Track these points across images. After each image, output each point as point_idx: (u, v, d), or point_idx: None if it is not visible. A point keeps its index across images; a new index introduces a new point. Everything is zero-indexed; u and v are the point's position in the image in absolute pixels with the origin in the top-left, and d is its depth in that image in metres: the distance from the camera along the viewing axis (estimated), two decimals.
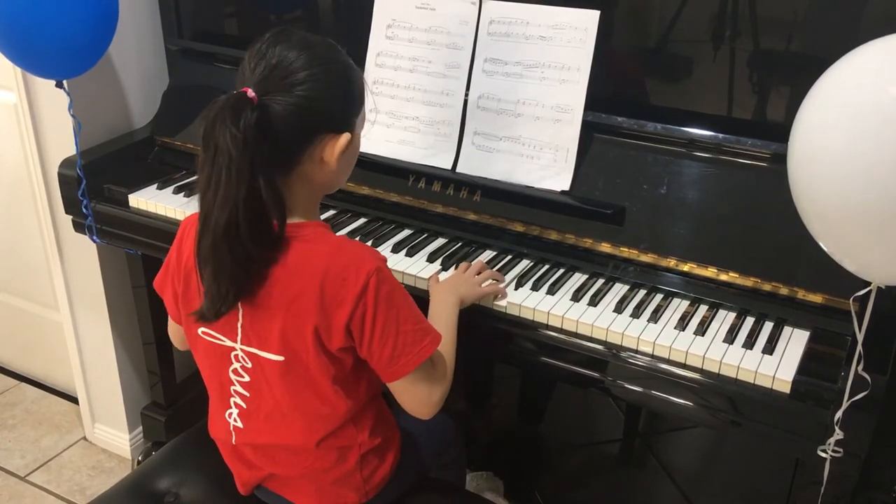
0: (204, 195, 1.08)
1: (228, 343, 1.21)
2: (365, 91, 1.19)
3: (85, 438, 2.34)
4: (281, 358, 1.17)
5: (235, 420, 1.27)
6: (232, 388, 1.25)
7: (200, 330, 1.23)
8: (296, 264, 1.14)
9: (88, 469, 2.23)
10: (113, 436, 2.28)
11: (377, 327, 1.14)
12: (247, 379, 1.22)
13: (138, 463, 2.22)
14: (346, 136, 1.14)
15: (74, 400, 2.40)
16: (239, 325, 1.18)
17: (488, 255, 1.54)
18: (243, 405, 1.25)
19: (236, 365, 1.22)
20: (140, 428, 2.25)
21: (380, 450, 1.30)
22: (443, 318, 1.31)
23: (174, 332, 1.37)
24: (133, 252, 1.91)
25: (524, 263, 1.52)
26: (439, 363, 1.23)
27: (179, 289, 1.23)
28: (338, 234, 1.61)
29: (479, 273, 1.43)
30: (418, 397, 1.21)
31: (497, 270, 1.47)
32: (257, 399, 1.23)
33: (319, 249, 1.14)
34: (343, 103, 1.15)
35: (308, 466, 1.27)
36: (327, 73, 1.12)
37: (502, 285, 1.44)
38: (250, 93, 1.06)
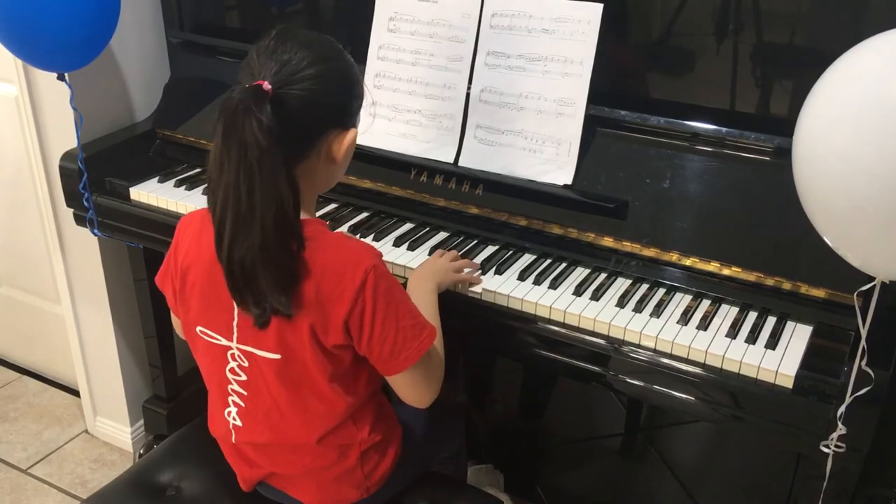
0: (236, 199, 1.05)
1: (224, 342, 1.21)
2: (364, 88, 1.21)
3: (86, 431, 2.34)
4: (278, 356, 1.17)
5: (234, 419, 1.27)
6: (230, 386, 1.25)
7: (199, 328, 1.23)
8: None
9: (90, 462, 2.24)
10: (114, 429, 2.28)
11: (376, 324, 1.14)
12: (244, 378, 1.22)
13: (140, 456, 2.22)
14: (353, 132, 1.17)
15: (76, 393, 2.40)
16: (234, 323, 1.18)
17: (490, 249, 1.54)
18: (241, 404, 1.25)
19: (233, 364, 1.22)
20: (142, 421, 2.25)
21: (380, 446, 1.30)
22: (427, 307, 1.31)
23: (178, 324, 1.37)
24: (134, 245, 1.91)
25: (527, 258, 1.51)
26: (434, 353, 1.24)
27: (177, 286, 1.24)
28: (339, 228, 1.62)
29: (453, 260, 1.44)
30: (418, 389, 1.22)
31: (500, 265, 1.47)
32: (255, 398, 1.23)
33: (317, 246, 1.14)
34: (349, 99, 1.17)
35: (308, 465, 1.27)
36: (335, 70, 1.14)
37: (476, 273, 1.45)
38: (266, 85, 1.06)
